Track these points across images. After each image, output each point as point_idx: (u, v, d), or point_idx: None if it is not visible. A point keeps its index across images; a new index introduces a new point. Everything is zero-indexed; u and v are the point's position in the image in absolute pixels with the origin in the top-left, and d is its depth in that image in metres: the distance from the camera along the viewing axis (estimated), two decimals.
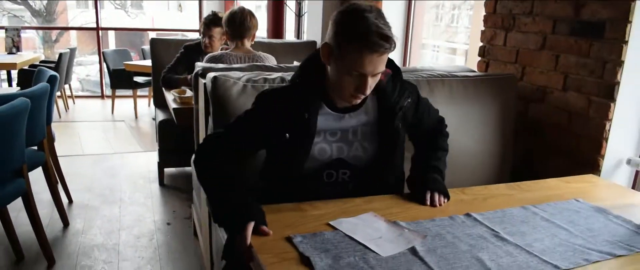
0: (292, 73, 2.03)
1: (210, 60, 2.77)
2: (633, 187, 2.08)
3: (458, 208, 1.46)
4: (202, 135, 2.17)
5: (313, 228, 1.28)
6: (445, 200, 1.51)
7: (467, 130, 2.16)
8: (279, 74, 1.99)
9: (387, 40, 1.34)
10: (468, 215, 1.40)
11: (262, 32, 5.41)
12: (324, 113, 1.52)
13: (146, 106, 6.62)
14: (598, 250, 1.25)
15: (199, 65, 2.24)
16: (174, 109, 2.91)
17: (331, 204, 1.45)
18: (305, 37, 5.26)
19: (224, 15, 2.99)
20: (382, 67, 1.40)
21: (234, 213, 1.30)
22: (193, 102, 2.87)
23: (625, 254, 1.24)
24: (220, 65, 2.26)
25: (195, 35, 7.56)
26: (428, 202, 1.48)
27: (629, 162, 2.05)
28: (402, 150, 1.66)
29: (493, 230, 1.32)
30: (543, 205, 1.51)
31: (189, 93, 3.06)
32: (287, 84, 1.62)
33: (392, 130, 1.57)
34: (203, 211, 2.37)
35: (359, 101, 1.49)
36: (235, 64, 2.49)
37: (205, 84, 1.98)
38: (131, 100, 6.25)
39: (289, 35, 6.06)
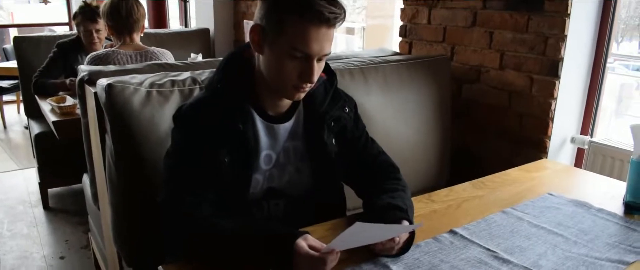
0: (203, 72, 1.69)
1: (94, 62, 2.30)
2: (576, 165, 2.01)
3: (435, 223, 1.24)
4: (97, 156, 1.76)
5: None
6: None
7: (405, 120, 1.95)
8: (188, 74, 1.63)
9: (335, 5, 1.09)
10: (452, 232, 1.18)
11: None
12: (254, 122, 1.23)
13: (15, 113, 5.78)
14: (607, 258, 1.09)
15: (84, 69, 1.80)
16: (53, 122, 2.41)
17: None
18: (194, 25, 4.81)
19: (103, 5, 2.51)
20: (329, 48, 1.13)
21: (271, 243, 1.00)
22: (77, 112, 2.41)
23: (634, 259, 1.09)
24: (111, 68, 1.84)
25: (64, 30, 6.73)
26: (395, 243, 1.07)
27: (573, 140, 1.96)
28: (339, 174, 1.36)
29: (488, 249, 1.10)
30: (521, 206, 1.34)
31: (70, 101, 2.56)
32: (205, 92, 1.27)
33: (320, 144, 1.27)
34: (105, 238, 1.96)
35: (303, 95, 1.19)
36: (128, 65, 2.08)
37: (95, 93, 1.57)
38: None
39: (174, 23, 5.55)
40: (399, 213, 1.12)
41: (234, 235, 1.03)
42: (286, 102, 1.25)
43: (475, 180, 1.51)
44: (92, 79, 1.71)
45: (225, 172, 1.17)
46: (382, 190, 1.23)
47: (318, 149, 1.28)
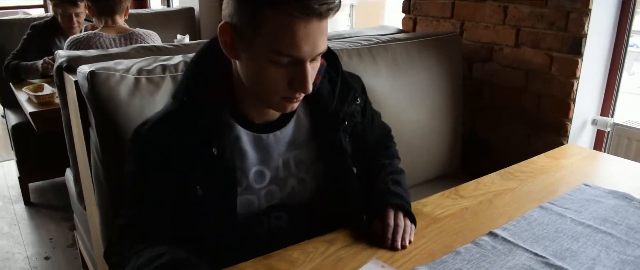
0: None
1: (74, 45, 2.12)
2: (596, 148, 1.89)
3: (470, 223, 1.10)
4: (80, 151, 1.59)
5: None
6: (411, 237, 1.03)
7: (416, 103, 1.81)
8: (180, 58, 1.47)
9: None
10: (492, 234, 1.04)
11: None
12: (236, 136, 1.01)
13: None
14: None
15: (62, 55, 1.62)
16: (30, 113, 2.23)
17: (277, 257, 0.99)
18: (177, 4, 4.60)
19: None
20: (323, 44, 0.90)
21: None
22: (56, 101, 2.22)
23: None
24: (93, 52, 1.66)
25: (40, 13, 6.43)
26: (390, 228, 1.01)
27: (594, 122, 1.84)
28: (352, 170, 1.16)
29: (536, 254, 0.97)
30: (559, 200, 1.21)
31: (48, 89, 2.37)
32: (171, 105, 1.02)
33: (336, 149, 1.08)
34: (94, 240, 1.80)
35: (296, 105, 0.98)
36: (111, 49, 1.90)
37: (76, 82, 1.40)
38: None
39: (155, 3, 5.31)
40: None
41: None
42: None
43: (502, 171, 1.38)
44: (71, 65, 1.53)
45: (200, 204, 0.98)
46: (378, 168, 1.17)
47: (332, 156, 1.09)
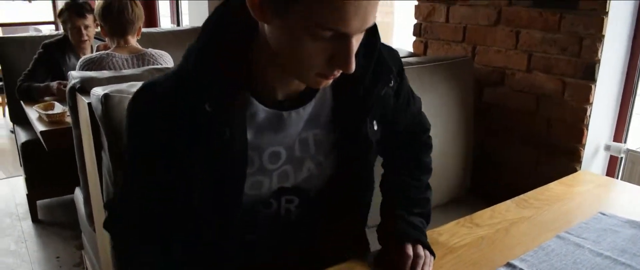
0: None
1: (87, 66, 2.12)
2: (608, 175, 1.87)
3: (487, 253, 1.08)
4: (92, 173, 1.59)
5: None
6: (430, 268, 1.00)
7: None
8: None
9: None
10: (510, 265, 1.03)
11: None
12: (253, 114, 0.90)
13: (0, 116, 5.56)
14: None
15: (75, 76, 1.63)
16: (41, 132, 2.23)
17: None
18: (186, 23, 4.64)
19: (96, 5, 2.33)
20: (374, 18, 0.77)
21: None
22: (67, 120, 2.23)
23: None
24: (106, 74, 1.67)
25: (50, 29, 6.49)
26: (409, 259, 0.97)
27: (607, 148, 1.82)
28: (373, 164, 1.10)
29: None
30: (575, 229, 1.19)
31: (59, 108, 2.38)
32: (178, 70, 0.89)
33: (359, 138, 0.98)
34: (103, 263, 1.79)
35: (330, 82, 0.85)
36: (124, 70, 1.91)
37: (90, 104, 1.41)
38: None
39: (164, 22, 5.35)
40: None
41: None
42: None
43: (517, 198, 1.36)
44: (84, 86, 1.55)
45: (202, 186, 0.93)
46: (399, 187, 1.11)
47: (354, 140, 0.98)
